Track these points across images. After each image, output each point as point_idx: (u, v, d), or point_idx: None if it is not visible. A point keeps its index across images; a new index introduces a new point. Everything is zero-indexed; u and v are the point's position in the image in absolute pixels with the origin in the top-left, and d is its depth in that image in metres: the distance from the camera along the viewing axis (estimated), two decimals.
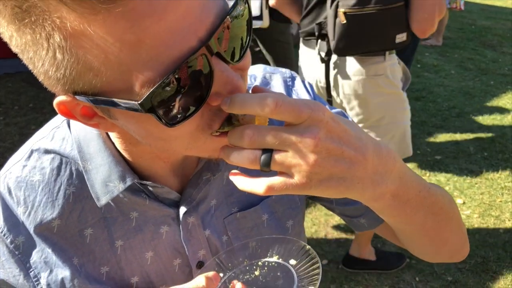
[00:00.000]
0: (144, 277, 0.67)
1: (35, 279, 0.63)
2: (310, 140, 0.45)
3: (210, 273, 0.60)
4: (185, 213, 0.66)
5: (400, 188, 0.54)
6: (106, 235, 0.65)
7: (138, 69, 0.43)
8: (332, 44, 1.88)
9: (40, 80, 0.48)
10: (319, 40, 2.00)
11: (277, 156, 0.46)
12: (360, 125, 2.01)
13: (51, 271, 0.63)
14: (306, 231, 2.64)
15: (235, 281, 0.63)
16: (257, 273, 0.66)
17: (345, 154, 0.47)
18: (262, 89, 0.52)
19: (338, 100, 2.07)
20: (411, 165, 3.32)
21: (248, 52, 0.52)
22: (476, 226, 2.78)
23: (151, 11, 0.41)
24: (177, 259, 0.69)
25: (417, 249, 0.74)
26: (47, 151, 0.63)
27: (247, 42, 0.50)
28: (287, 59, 3.10)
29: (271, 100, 0.45)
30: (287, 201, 0.76)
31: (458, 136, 3.77)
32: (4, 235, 0.62)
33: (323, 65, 2.02)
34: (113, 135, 0.61)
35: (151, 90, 0.43)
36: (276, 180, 0.47)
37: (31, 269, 0.63)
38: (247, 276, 0.66)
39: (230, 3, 0.48)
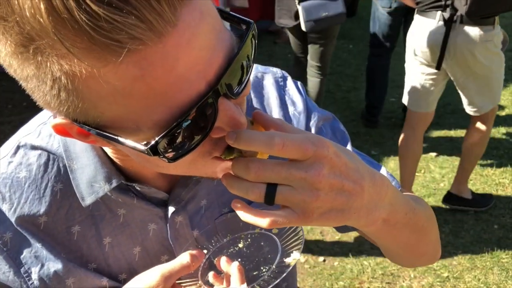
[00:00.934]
0: (132, 274, 0.67)
1: (26, 274, 0.62)
2: (314, 177, 0.47)
3: (194, 251, 0.60)
4: (173, 213, 0.66)
5: (390, 214, 0.57)
6: (93, 232, 0.65)
7: (146, 113, 0.42)
8: (465, 8, 2.32)
9: (37, 104, 0.46)
10: (440, 12, 2.42)
11: (282, 192, 0.47)
12: (467, 79, 2.53)
13: (42, 265, 0.63)
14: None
15: (220, 256, 0.64)
16: (240, 245, 0.67)
17: (345, 187, 0.49)
18: (263, 116, 0.52)
19: (448, 62, 2.48)
20: None
21: (249, 80, 0.52)
22: (470, 222, 2.79)
23: (163, 60, 0.40)
24: (164, 256, 0.69)
25: (396, 259, 0.78)
26: (33, 147, 0.63)
27: (249, 72, 0.49)
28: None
29: (279, 140, 0.45)
30: None
31: (452, 133, 3.79)
32: None
33: (442, 32, 2.42)
34: None
35: (160, 136, 0.43)
36: (280, 215, 0.48)
37: (21, 265, 0.62)
38: (231, 250, 0.67)
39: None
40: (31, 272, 0.62)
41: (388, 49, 3.63)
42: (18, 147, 0.63)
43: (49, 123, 0.49)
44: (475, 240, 2.65)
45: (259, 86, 0.74)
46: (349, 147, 0.77)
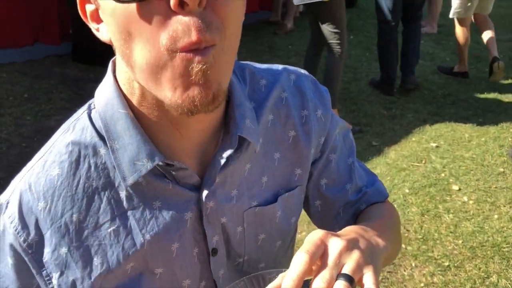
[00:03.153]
0: (168, 268, 0.66)
1: (47, 278, 0.62)
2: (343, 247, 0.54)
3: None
4: (206, 197, 0.65)
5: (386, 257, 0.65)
6: (129, 228, 0.63)
7: None
8: None
9: None
10: None
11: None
12: None
13: (62, 273, 0.62)
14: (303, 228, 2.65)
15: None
16: None
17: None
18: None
19: None
20: (406, 153, 3.34)
21: (237, 4, 0.52)
22: (472, 212, 2.80)
23: None
24: (195, 248, 0.68)
25: None
26: (66, 145, 0.63)
27: None
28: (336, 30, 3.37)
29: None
30: (297, 199, 0.77)
31: (453, 123, 3.79)
32: (18, 233, 0.61)
33: None
34: (129, 91, 0.61)
35: None
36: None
37: (43, 268, 0.62)
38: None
39: None
40: (52, 277, 0.62)
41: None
42: (53, 146, 0.64)
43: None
44: (476, 231, 2.66)
45: (294, 86, 0.75)
46: (353, 157, 0.82)
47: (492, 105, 4.11)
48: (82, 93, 3.86)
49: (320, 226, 0.85)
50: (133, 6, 0.48)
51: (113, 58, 0.65)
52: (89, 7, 0.57)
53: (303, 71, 0.78)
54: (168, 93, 0.51)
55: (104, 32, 0.57)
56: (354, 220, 0.82)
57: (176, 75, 0.50)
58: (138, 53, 0.51)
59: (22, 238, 0.61)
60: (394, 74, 4.08)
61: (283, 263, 0.80)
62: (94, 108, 0.64)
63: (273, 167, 0.73)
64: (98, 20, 0.57)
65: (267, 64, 0.77)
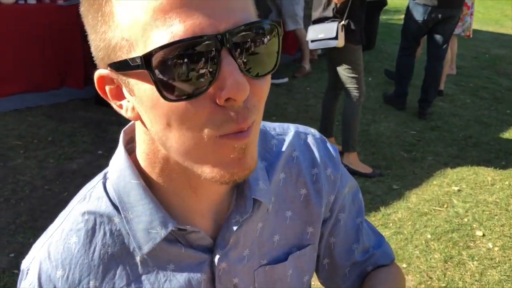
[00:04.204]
0: None
1: None
2: None
3: None
4: (219, 259, 0.66)
5: None
6: None
7: (151, 31, 0.47)
8: None
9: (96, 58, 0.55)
10: None
11: None
12: None
13: None
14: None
15: None
16: None
17: None
18: None
19: None
20: (427, 197, 3.29)
21: (268, 81, 0.54)
22: (497, 259, 2.71)
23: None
24: None
25: None
26: (83, 213, 0.65)
27: (272, 68, 0.53)
28: (354, 76, 3.46)
29: None
30: (309, 257, 0.77)
31: (475, 166, 3.73)
32: None
33: None
34: (147, 161, 0.62)
35: (157, 47, 0.47)
36: None
37: None
38: None
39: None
40: None
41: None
42: (70, 215, 0.65)
43: (94, 76, 0.56)
44: (503, 279, 2.56)
45: (304, 145, 0.76)
46: (361, 217, 0.83)
47: None
48: (104, 136, 3.94)
49: (326, 283, 0.86)
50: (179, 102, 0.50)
51: (124, 129, 0.67)
52: (109, 87, 0.57)
53: (313, 130, 0.80)
54: (207, 169, 0.54)
55: (129, 109, 0.57)
56: (360, 281, 0.83)
57: (218, 157, 0.53)
58: (177, 139, 0.53)
59: None
60: (407, 89, 4.85)
61: None
62: (109, 178, 0.66)
63: (285, 225, 0.74)
64: (120, 97, 0.57)
65: (278, 123, 0.79)
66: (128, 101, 0.56)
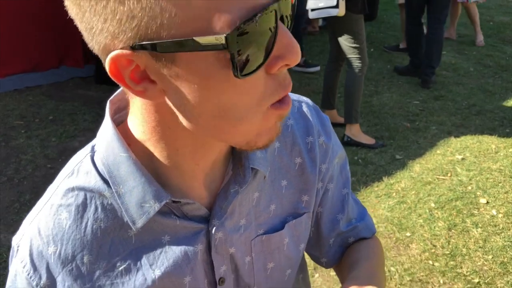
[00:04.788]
0: None
1: None
2: None
3: None
4: (215, 228, 0.65)
5: None
6: (139, 265, 0.63)
7: (218, 10, 0.44)
8: None
9: (90, 35, 0.48)
10: None
11: None
12: None
13: None
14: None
15: None
16: None
17: None
18: None
19: None
20: (431, 166, 3.28)
21: None
22: (501, 226, 2.71)
23: None
24: (205, 279, 0.68)
25: None
26: (72, 189, 0.62)
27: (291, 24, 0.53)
28: (356, 46, 3.40)
29: None
30: (304, 226, 0.77)
31: (479, 135, 3.70)
32: (31, 277, 0.61)
33: None
34: (147, 131, 0.58)
35: (234, 27, 0.44)
36: None
37: None
38: None
39: None
40: None
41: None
42: (58, 190, 0.63)
43: (107, 59, 0.48)
44: (507, 245, 2.57)
45: (298, 113, 0.75)
46: (347, 188, 0.84)
47: None
48: (105, 113, 3.93)
49: (308, 251, 0.87)
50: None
51: (111, 98, 0.65)
52: (129, 69, 0.49)
53: (306, 98, 0.79)
54: (245, 138, 0.54)
55: (155, 93, 0.51)
56: (342, 251, 0.84)
57: (265, 124, 0.54)
58: (213, 105, 0.50)
59: (35, 282, 0.61)
60: (421, 58, 4.75)
61: None
62: (97, 151, 0.63)
63: (281, 194, 0.73)
64: (141, 80, 0.50)
65: None
66: (156, 84, 0.50)
